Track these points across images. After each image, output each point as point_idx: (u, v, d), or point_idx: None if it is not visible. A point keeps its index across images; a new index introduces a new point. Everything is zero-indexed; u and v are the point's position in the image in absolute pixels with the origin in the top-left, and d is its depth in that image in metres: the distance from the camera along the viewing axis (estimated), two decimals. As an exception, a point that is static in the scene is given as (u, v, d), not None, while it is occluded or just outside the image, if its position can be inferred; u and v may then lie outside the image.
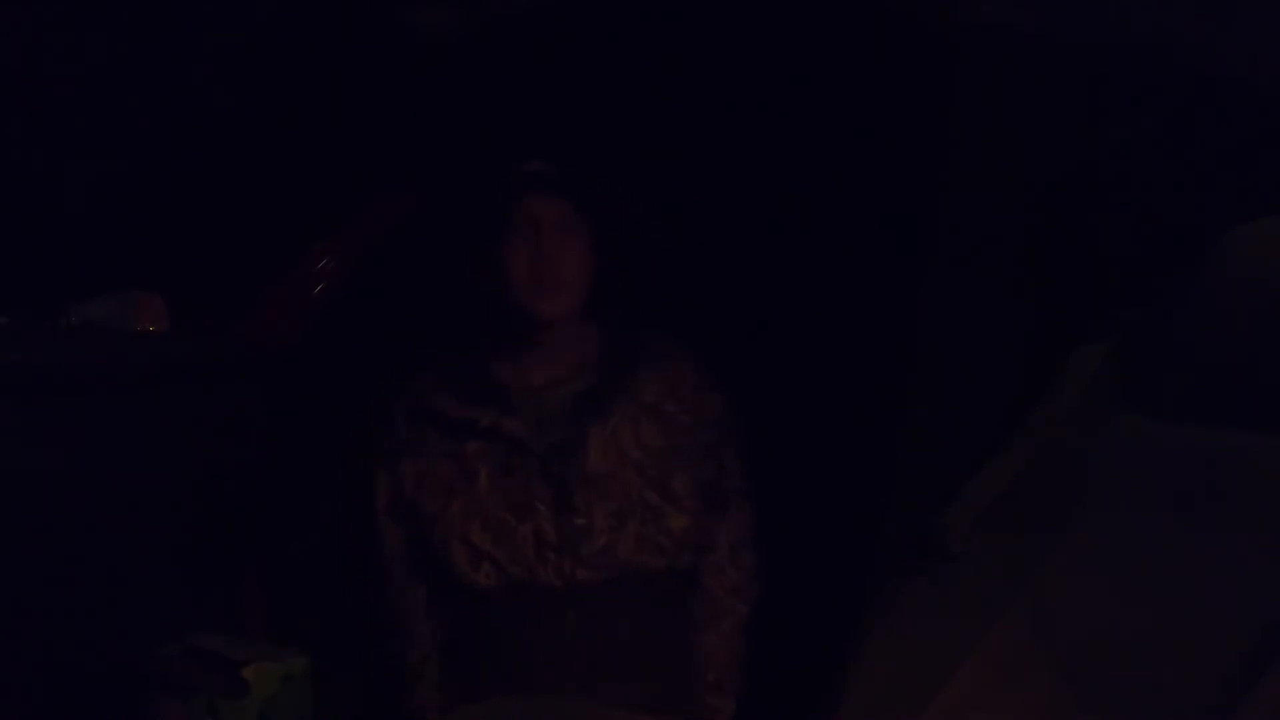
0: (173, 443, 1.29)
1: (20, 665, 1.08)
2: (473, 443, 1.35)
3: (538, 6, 1.44)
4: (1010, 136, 1.33)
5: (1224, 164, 1.20)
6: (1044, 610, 1.03)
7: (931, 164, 1.37)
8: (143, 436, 1.24)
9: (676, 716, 1.33)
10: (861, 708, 1.07)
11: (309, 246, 1.59)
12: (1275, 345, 0.96)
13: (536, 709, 1.21)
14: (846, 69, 1.45)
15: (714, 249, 1.57)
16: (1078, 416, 1.18)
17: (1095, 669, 0.97)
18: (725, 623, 1.41)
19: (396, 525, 1.40)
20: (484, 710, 1.27)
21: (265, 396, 1.49)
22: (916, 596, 1.18)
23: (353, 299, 1.61)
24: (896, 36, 1.37)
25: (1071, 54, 1.26)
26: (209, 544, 1.42)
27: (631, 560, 1.32)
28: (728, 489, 1.43)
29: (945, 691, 1.00)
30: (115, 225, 1.38)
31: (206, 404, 1.37)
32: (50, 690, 1.11)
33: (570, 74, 1.51)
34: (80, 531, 1.14)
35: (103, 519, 1.18)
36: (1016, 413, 1.25)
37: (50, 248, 1.31)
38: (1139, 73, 1.24)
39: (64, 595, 1.13)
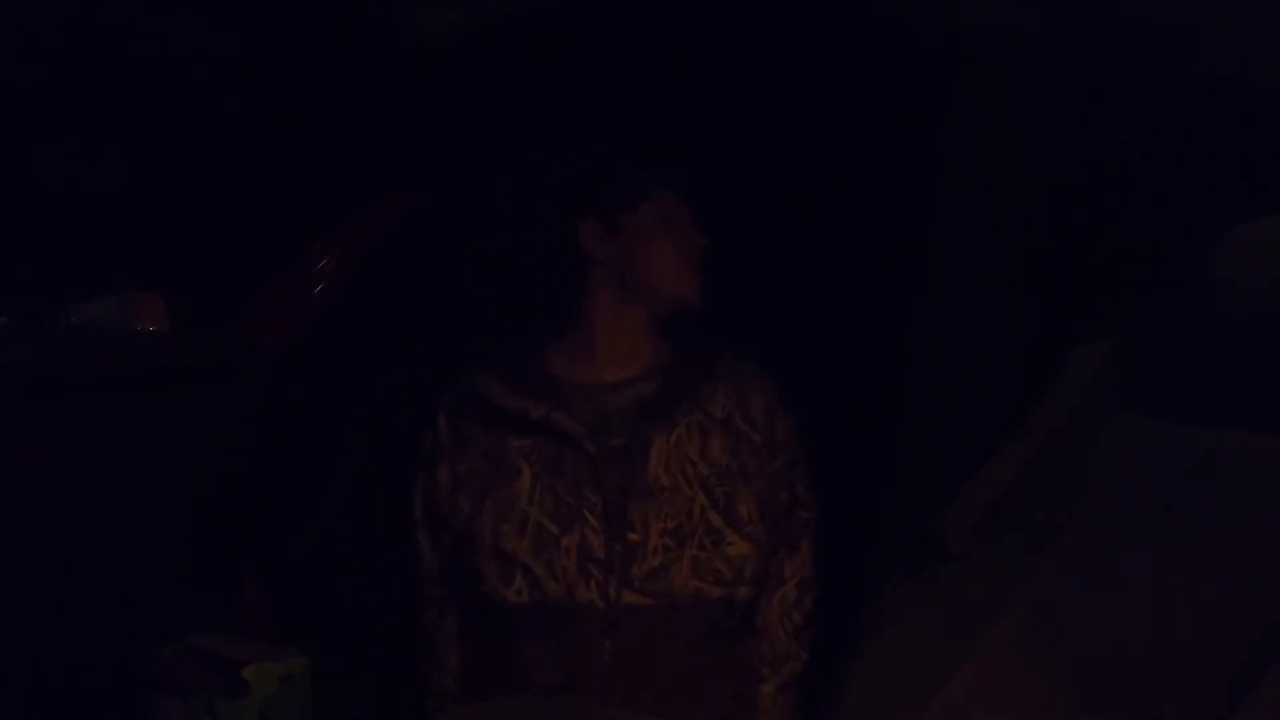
0: (173, 443, 1.29)
1: (20, 665, 1.08)
2: (519, 439, 1.25)
3: (538, 6, 1.44)
4: (1010, 136, 1.33)
5: (1224, 164, 1.20)
6: (1044, 610, 1.03)
7: (931, 164, 1.37)
8: (143, 436, 1.24)
9: None
10: (861, 708, 1.07)
11: (309, 246, 1.58)
12: (1275, 345, 0.96)
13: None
14: (846, 69, 1.45)
15: (712, 249, 1.57)
16: (1078, 416, 1.18)
17: (1095, 669, 0.97)
18: (785, 670, 1.31)
19: (431, 540, 1.31)
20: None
21: (265, 396, 1.49)
22: (916, 596, 1.18)
23: (353, 299, 1.61)
24: (896, 36, 1.37)
25: (1072, 53, 1.27)
26: (209, 544, 1.42)
27: (685, 587, 1.20)
28: (801, 520, 1.34)
29: (945, 691, 1.00)
30: (115, 225, 1.38)
31: (206, 404, 1.37)
32: (50, 690, 1.11)
33: (570, 75, 1.51)
34: (80, 531, 1.14)
35: (103, 519, 1.18)
36: (1016, 413, 1.25)
37: (50, 248, 1.31)
38: (1139, 72, 1.24)
39: (64, 595, 1.13)
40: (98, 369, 1.16)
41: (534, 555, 1.20)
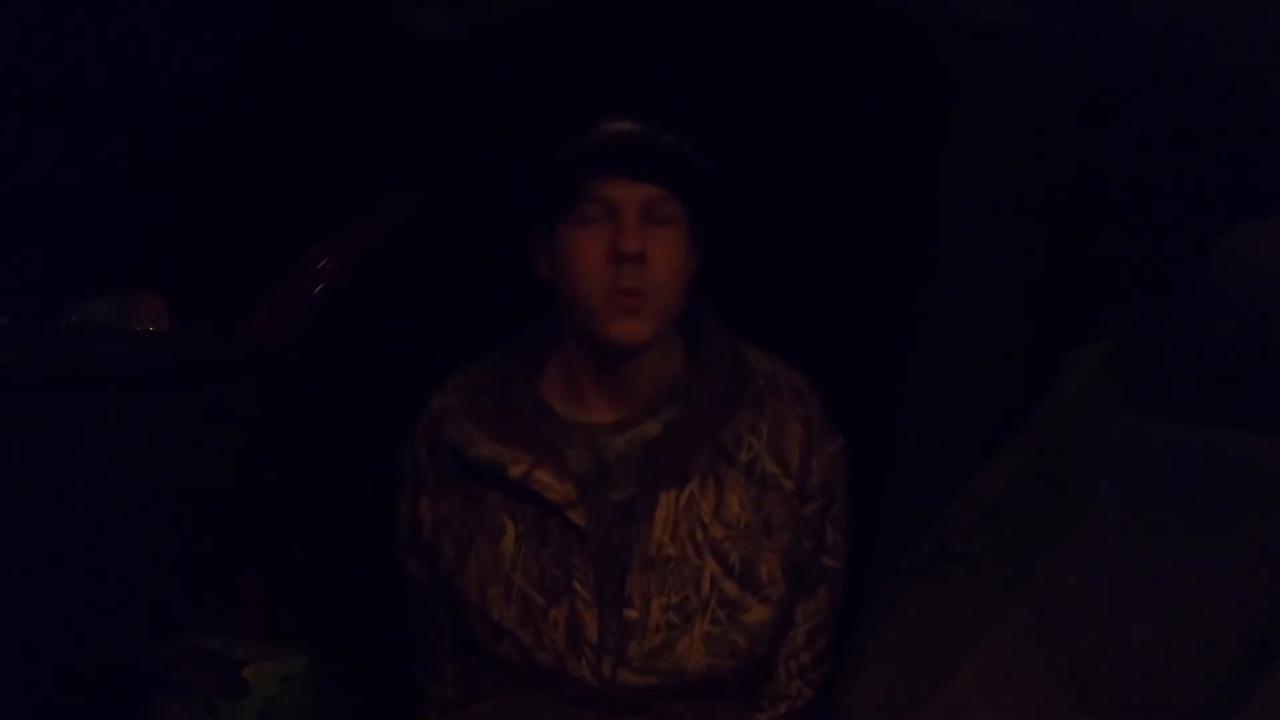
0: (173, 442, 1.29)
1: (20, 665, 1.08)
2: (500, 490, 1.07)
3: (538, 6, 1.44)
4: (1009, 137, 1.33)
5: (1224, 164, 1.20)
6: (1044, 610, 1.03)
7: (931, 165, 1.37)
8: (143, 436, 1.24)
9: None
10: (861, 708, 1.07)
11: (309, 246, 1.59)
12: (1275, 345, 0.96)
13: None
14: (845, 70, 1.45)
15: (711, 248, 1.58)
16: (1078, 416, 1.18)
17: (1095, 669, 0.97)
18: (782, 707, 1.16)
19: (419, 563, 1.16)
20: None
21: (266, 396, 1.49)
22: (916, 596, 1.18)
23: (353, 299, 1.61)
24: (895, 37, 1.37)
25: (1071, 53, 1.27)
26: (209, 544, 1.42)
27: (693, 665, 1.03)
28: (822, 567, 1.14)
29: (945, 691, 1.00)
30: (115, 225, 1.38)
31: (206, 404, 1.37)
32: (50, 690, 1.11)
33: (568, 74, 1.51)
34: (80, 531, 1.14)
35: (103, 519, 1.18)
36: (1016, 413, 1.25)
37: (50, 248, 1.31)
38: (1139, 72, 1.24)
39: (64, 595, 1.13)
40: (98, 369, 1.16)
41: (520, 625, 1.04)
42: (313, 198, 1.58)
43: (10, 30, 1.22)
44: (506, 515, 1.06)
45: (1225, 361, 1.01)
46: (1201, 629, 0.91)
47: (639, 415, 1.08)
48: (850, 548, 1.18)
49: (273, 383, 1.51)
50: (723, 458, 1.06)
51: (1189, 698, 0.88)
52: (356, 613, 1.57)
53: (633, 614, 1.02)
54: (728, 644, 1.04)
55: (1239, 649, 0.87)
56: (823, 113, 1.51)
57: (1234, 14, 1.15)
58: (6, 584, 1.04)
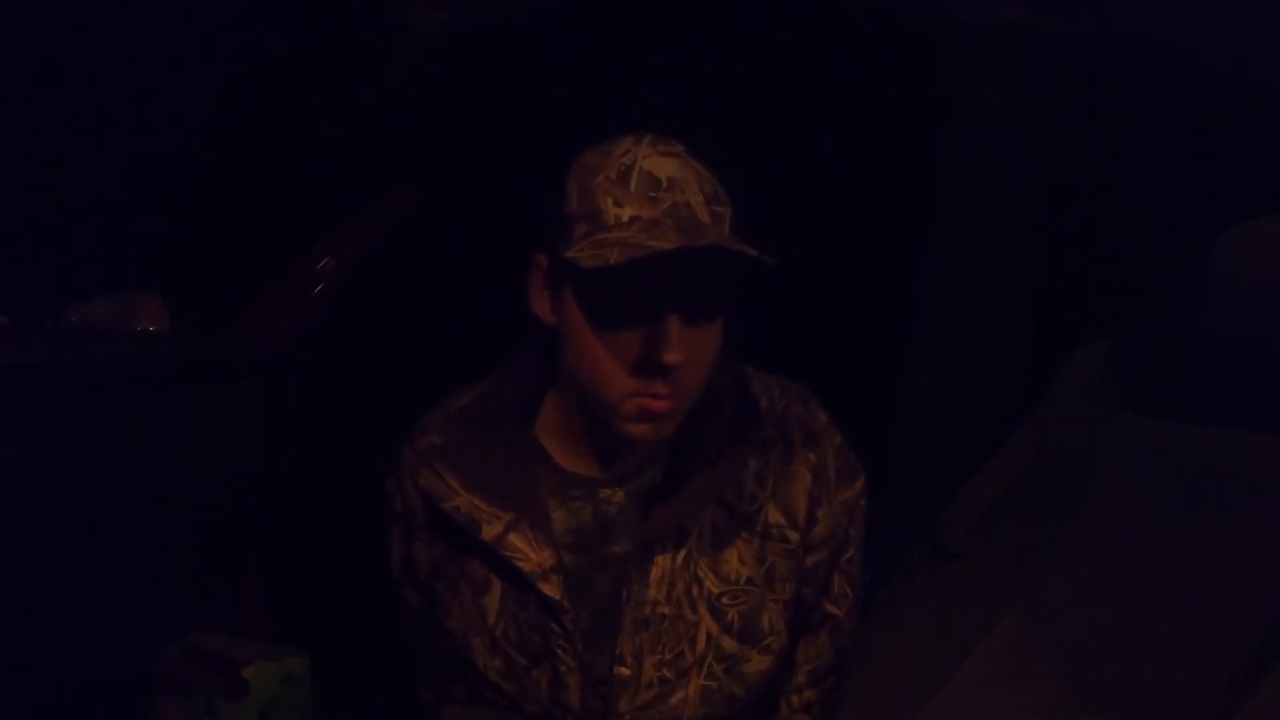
0: (173, 442, 1.29)
1: (20, 665, 1.08)
2: (475, 551, 1.01)
3: (538, 6, 1.44)
4: (1009, 136, 1.33)
5: (1223, 164, 1.20)
6: (1044, 610, 1.03)
7: (931, 164, 1.37)
8: (142, 436, 1.24)
9: None
10: (862, 707, 1.07)
11: (310, 245, 1.59)
12: (1275, 345, 0.96)
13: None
14: (844, 69, 1.45)
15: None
16: (1078, 416, 1.18)
17: (1095, 669, 0.96)
18: None
19: (415, 597, 1.10)
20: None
21: (266, 396, 1.49)
22: (916, 596, 1.18)
23: (353, 299, 1.61)
24: (894, 36, 1.37)
25: (1071, 53, 1.27)
26: (209, 544, 1.42)
27: (688, 717, 0.99)
28: (824, 614, 1.09)
29: (945, 691, 1.00)
30: (115, 225, 1.38)
31: (206, 404, 1.37)
32: (51, 690, 1.11)
33: (568, 74, 1.51)
34: (80, 531, 1.14)
35: (103, 519, 1.18)
36: (1017, 413, 1.25)
37: (50, 248, 1.31)
38: (1138, 72, 1.24)
39: (64, 595, 1.13)
40: (98, 369, 1.16)
41: (505, 678, 1.01)
42: (313, 197, 1.58)
43: (12, 32, 1.22)
44: (491, 570, 1.00)
45: (1225, 361, 1.01)
46: (1201, 629, 0.91)
47: (641, 465, 1.01)
48: (859, 595, 1.14)
49: (273, 383, 1.51)
50: (724, 510, 1.00)
51: (1189, 698, 0.88)
52: (356, 613, 1.57)
53: (624, 671, 0.97)
54: (725, 695, 1.00)
55: (1239, 649, 0.87)
56: (824, 113, 1.51)
57: (1234, 14, 1.16)
58: (6, 584, 1.04)
